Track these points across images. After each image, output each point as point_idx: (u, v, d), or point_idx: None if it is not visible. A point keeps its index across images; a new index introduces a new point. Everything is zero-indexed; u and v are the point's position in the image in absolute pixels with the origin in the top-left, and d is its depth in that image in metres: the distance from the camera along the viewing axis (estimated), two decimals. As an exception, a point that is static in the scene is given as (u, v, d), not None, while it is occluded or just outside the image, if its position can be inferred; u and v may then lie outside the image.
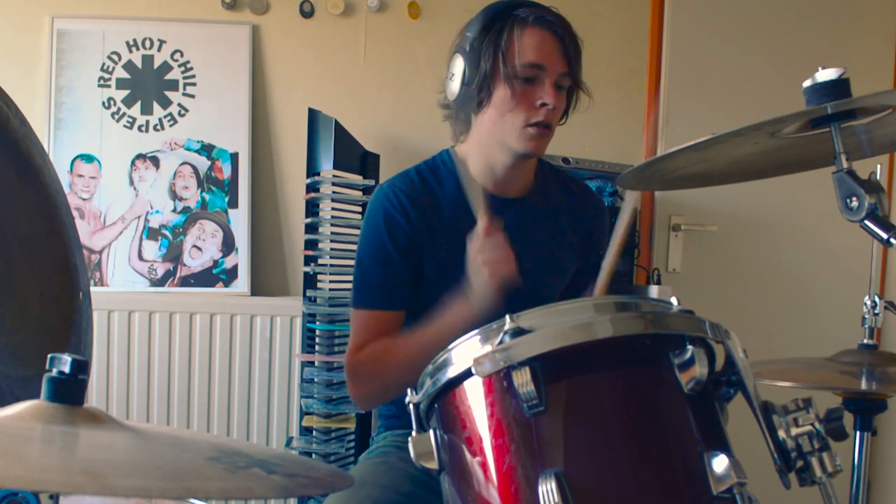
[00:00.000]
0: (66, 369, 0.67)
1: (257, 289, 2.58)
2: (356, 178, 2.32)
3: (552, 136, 1.44)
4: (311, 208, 2.30)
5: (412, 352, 1.37)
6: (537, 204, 1.53)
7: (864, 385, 1.36)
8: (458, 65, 1.42)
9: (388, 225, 1.44)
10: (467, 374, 0.87)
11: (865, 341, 1.43)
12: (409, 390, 0.97)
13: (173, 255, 2.53)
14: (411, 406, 0.96)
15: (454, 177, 1.49)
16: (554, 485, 0.78)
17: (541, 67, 1.38)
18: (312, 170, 2.30)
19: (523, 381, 0.82)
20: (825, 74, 0.95)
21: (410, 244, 1.44)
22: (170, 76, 2.57)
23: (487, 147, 1.46)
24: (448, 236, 1.45)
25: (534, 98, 1.39)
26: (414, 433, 0.94)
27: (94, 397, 2.41)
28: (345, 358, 1.48)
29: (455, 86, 1.43)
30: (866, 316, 1.42)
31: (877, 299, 1.41)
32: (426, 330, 1.37)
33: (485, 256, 1.32)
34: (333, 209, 2.28)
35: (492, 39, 1.39)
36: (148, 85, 2.56)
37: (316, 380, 2.22)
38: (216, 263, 2.53)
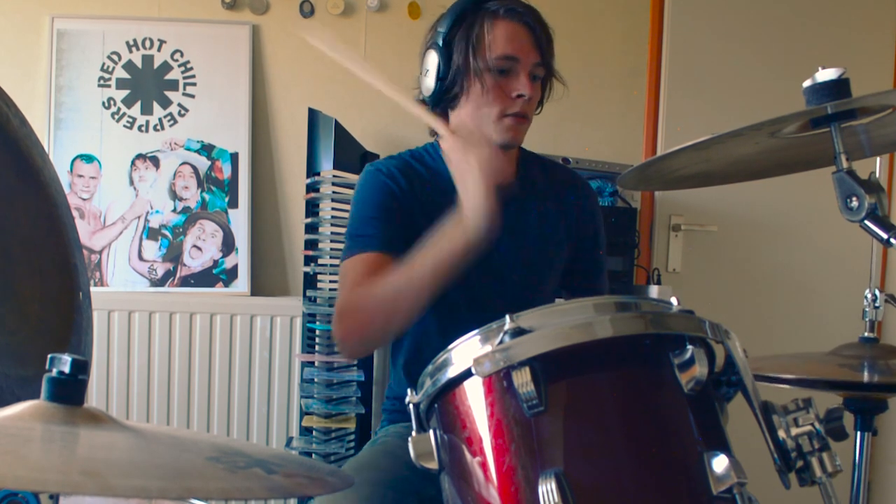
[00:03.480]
0: (66, 369, 0.67)
1: (257, 289, 2.58)
2: (356, 178, 2.31)
3: (529, 126, 1.45)
4: (311, 208, 2.30)
5: (401, 279, 1.30)
6: (522, 190, 1.52)
7: (865, 377, 1.36)
8: (432, 60, 1.44)
9: (379, 186, 1.45)
10: (467, 374, 0.87)
11: (866, 334, 1.43)
12: (408, 390, 0.97)
13: (173, 255, 2.53)
14: (411, 406, 0.96)
15: (438, 166, 1.49)
16: (554, 485, 0.78)
17: (514, 59, 1.39)
18: (312, 170, 2.30)
19: (523, 381, 0.82)
20: (825, 74, 0.95)
21: (400, 205, 1.44)
22: (170, 76, 2.57)
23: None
24: (432, 218, 1.44)
25: (509, 89, 1.40)
26: (414, 433, 0.95)
27: (94, 397, 2.41)
28: (338, 302, 1.41)
29: (430, 82, 1.44)
30: (867, 309, 1.42)
31: (877, 292, 1.41)
32: (415, 258, 1.30)
33: (466, 158, 1.24)
34: (333, 209, 2.28)
35: (464, 34, 1.40)
36: (148, 85, 2.56)
37: (316, 380, 2.22)
38: (216, 263, 2.53)
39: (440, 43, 1.42)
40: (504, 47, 1.39)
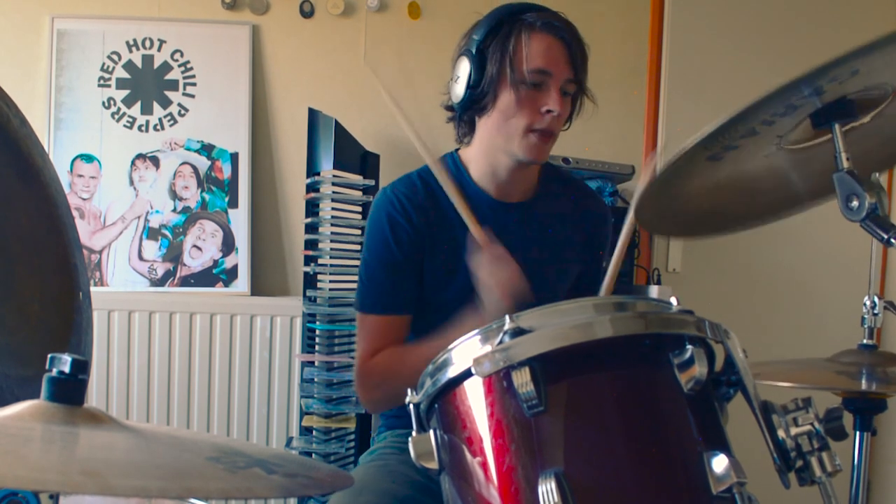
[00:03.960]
0: (66, 369, 0.67)
1: (257, 289, 2.58)
2: (356, 178, 2.32)
3: (555, 142, 1.44)
4: (311, 208, 2.30)
5: (422, 362, 1.36)
6: (540, 208, 1.52)
7: (864, 385, 1.36)
8: (464, 68, 1.41)
9: (391, 228, 1.44)
10: (467, 374, 0.87)
11: (865, 341, 1.43)
12: (409, 390, 0.97)
13: (173, 254, 2.53)
14: (411, 406, 0.96)
15: (458, 180, 1.48)
16: (554, 485, 0.78)
17: (547, 73, 1.37)
18: (312, 170, 2.30)
19: (523, 381, 0.82)
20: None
21: (413, 247, 1.44)
22: (170, 76, 2.57)
23: (490, 151, 1.45)
24: (450, 239, 1.45)
25: (539, 104, 1.38)
26: (414, 433, 0.95)
27: (94, 397, 2.41)
28: (355, 363, 1.48)
29: (460, 89, 1.42)
30: (866, 316, 1.42)
31: (876, 299, 1.41)
32: (437, 342, 1.33)
33: (492, 275, 1.31)
34: (333, 209, 2.28)
35: (499, 44, 1.38)
36: (148, 85, 2.56)
37: (316, 380, 2.22)
38: (216, 263, 2.53)
39: (473, 51, 1.39)
40: (538, 61, 1.36)
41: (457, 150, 1.53)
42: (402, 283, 1.45)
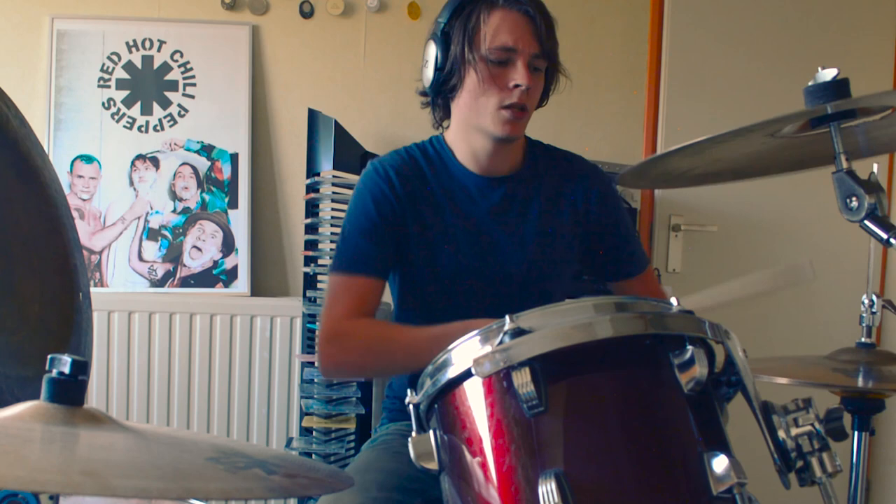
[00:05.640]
0: (66, 370, 0.67)
1: (257, 289, 2.58)
2: (356, 179, 2.31)
3: (529, 118, 1.43)
4: (311, 209, 2.30)
5: (413, 348, 1.33)
6: (527, 180, 1.51)
7: (860, 383, 1.36)
8: (431, 51, 1.43)
9: (373, 195, 1.45)
10: (467, 374, 0.87)
11: (863, 340, 1.42)
12: (408, 390, 0.97)
13: (173, 255, 2.53)
14: (411, 406, 0.96)
15: (442, 159, 1.50)
16: (554, 485, 0.78)
17: (512, 50, 1.37)
18: (312, 170, 2.30)
19: (523, 381, 0.82)
20: (825, 75, 0.95)
21: (395, 216, 1.44)
22: (170, 77, 2.57)
23: (467, 132, 1.46)
24: (434, 214, 1.46)
25: (506, 80, 1.38)
26: (414, 434, 0.95)
27: (94, 398, 2.41)
28: (323, 321, 1.43)
29: (429, 72, 1.44)
30: (864, 315, 1.41)
31: (874, 298, 1.40)
32: (436, 331, 1.30)
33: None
34: (333, 209, 2.28)
35: (461, 24, 1.39)
36: (148, 85, 2.56)
37: (316, 380, 2.22)
38: (216, 264, 2.53)
39: (439, 33, 1.41)
40: (501, 38, 1.37)
41: (442, 133, 1.54)
42: (378, 246, 1.44)
